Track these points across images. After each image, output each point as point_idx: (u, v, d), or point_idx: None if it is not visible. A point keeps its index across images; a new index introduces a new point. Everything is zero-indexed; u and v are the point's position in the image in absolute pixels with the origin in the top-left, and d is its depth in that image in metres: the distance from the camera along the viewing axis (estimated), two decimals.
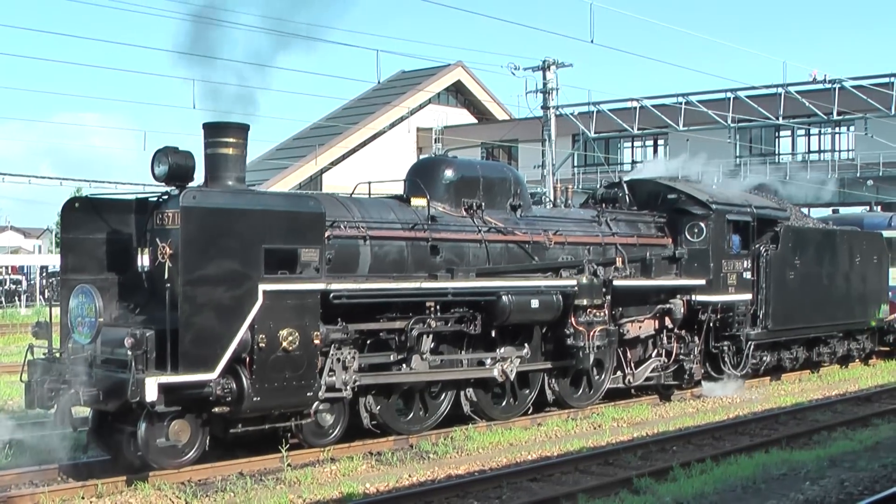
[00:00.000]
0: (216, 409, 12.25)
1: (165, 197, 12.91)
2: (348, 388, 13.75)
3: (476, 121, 68.65)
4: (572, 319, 16.65)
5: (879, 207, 35.55)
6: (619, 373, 18.74)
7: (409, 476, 12.70)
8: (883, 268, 26.49)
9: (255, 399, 12.19)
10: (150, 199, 13.42)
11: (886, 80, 36.29)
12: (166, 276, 12.14)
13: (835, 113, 36.23)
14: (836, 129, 50.52)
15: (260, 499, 11.39)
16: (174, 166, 12.40)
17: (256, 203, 12.66)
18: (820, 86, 37.02)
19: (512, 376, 16.12)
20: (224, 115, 13.35)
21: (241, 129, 13.14)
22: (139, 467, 12.21)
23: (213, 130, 13.02)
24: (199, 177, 12.90)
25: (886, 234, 27.76)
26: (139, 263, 13.65)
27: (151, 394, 11.28)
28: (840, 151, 51.96)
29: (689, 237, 20.11)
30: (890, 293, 26.90)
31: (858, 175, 47.78)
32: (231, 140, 13.01)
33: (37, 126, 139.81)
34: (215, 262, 11.92)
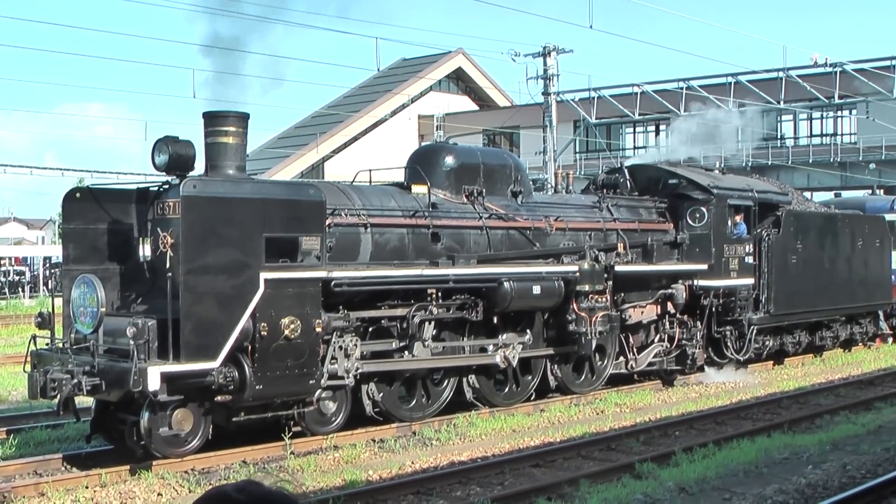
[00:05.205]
0: (219, 398, 12.28)
1: (166, 186, 12.92)
2: (350, 375, 13.77)
3: (477, 108, 68.55)
4: (574, 305, 16.65)
5: (882, 191, 35.49)
6: (621, 358, 18.75)
7: (412, 463, 12.72)
8: (885, 251, 26.45)
9: (257, 387, 12.21)
10: (150, 188, 13.44)
11: (887, 62, 36.25)
12: (167, 266, 12.15)
13: (836, 96, 36.18)
14: (838, 113, 50.41)
15: None
16: (174, 156, 12.39)
17: (257, 192, 12.66)
18: (821, 69, 36.98)
19: (514, 363, 16.14)
20: (224, 104, 13.37)
21: (241, 118, 13.14)
22: (142, 456, 12.24)
23: (213, 120, 13.02)
24: (199, 166, 12.93)
25: (889, 217, 27.69)
26: (140, 253, 13.69)
27: (154, 383, 11.31)
28: (842, 135, 51.85)
29: (690, 222, 20.08)
30: (893, 277, 26.88)
31: (860, 158, 47.71)
32: (231, 129, 13.01)
33: (42, 117, 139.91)
34: (216, 251, 11.93)
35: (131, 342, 11.39)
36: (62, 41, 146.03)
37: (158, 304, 12.10)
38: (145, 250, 13.54)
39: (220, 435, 12.95)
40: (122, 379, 11.45)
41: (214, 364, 11.77)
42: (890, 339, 27.87)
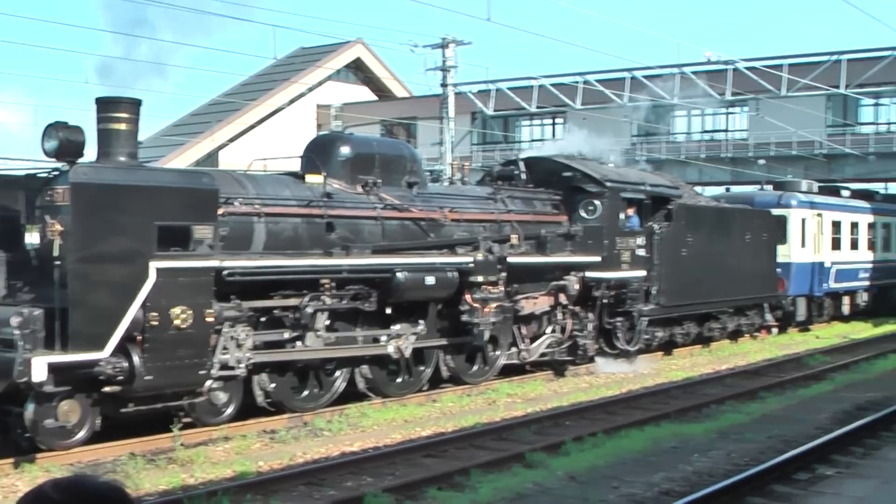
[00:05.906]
0: (107, 389, 12.09)
1: (55, 173, 12.66)
2: (242, 366, 13.67)
3: (376, 98, 68.38)
4: (468, 296, 16.75)
5: (770, 186, 36.27)
6: (513, 349, 18.91)
7: (304, 454, 12.68)
8: (772, 245, 27.09)
9: (147, 378, 12.06)
10: (39, 175, 13.16)
11: (777, 62, 37.05)
12: (56, 254, 11.92)
13: (728, 94, 36.84)
14: (730, 110, 51.35)
15: (151, 479, 11.27)
16: (64, 142, 12.16)
17: (149, 179, 12.50)
18: (714, 67, 37.62)
19: (407, 353, 16.18)
20: (117, 90, 13.15)
21: (134, 105, 12.95)
22: (27, 449, 11.98)
23: (106, 105, 12.82)
24: (91, 153, 12.70)
25: (776, 212, 28.39)
26: (28, 241, 13.39)
27: (39, 374, 11.08)
28: (733, 131, 52.83)
29: (583, 214, 20.33)
30: (778, 270, 27.56)
31: (751, 154, 48.70)
32: (123, 115, 12.82)
33: None
34: (106, 240, 11.75)
35: (16, 332, 11.16)
36: None
37: (46, 293, 11.86)
38: (33, 238, 13.25)
39: (109, 426, 12.75)
40: (6, 369, 11.19)
41: (103, 354, 11.60)
42: (775, 331, 28.61)
